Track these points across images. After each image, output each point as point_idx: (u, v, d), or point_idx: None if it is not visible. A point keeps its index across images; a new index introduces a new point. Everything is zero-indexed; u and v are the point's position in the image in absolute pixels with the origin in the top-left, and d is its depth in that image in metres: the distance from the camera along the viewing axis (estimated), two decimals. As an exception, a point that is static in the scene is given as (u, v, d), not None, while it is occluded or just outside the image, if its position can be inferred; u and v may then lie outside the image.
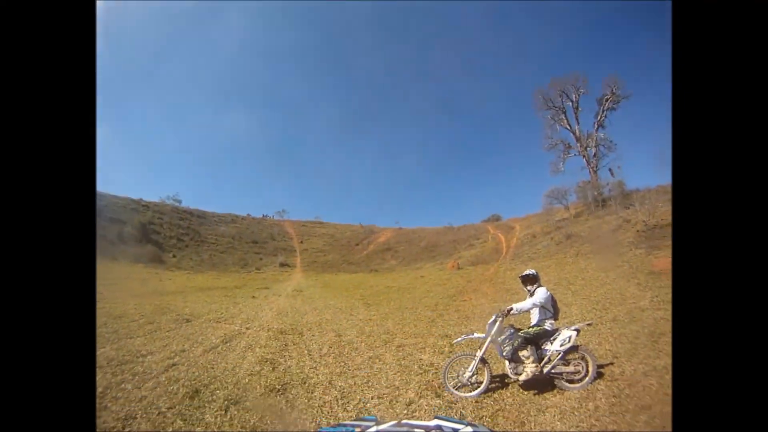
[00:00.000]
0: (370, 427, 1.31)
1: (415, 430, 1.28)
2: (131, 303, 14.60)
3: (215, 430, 5.00)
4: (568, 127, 42.79)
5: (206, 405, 5.83)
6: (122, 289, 19.67)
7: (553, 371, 6.01)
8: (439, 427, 1.25)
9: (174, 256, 44.67)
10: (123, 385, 6.38)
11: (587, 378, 5.92)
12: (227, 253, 51.35)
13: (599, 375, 6.06)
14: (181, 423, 5.17)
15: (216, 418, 5.38)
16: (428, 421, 1.31)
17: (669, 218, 19.05)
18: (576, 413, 5.11)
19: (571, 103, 42.28)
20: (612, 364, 6.58)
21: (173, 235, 51.29)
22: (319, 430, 2.05)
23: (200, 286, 25.07)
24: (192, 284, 26.41)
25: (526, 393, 5.97)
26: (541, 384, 6.08)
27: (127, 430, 4.91)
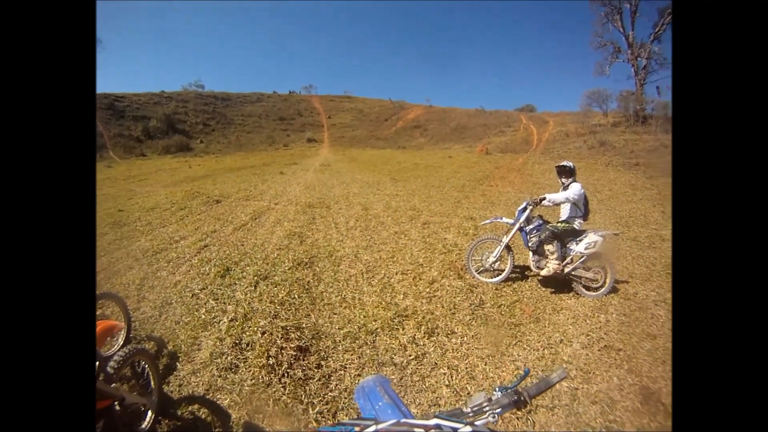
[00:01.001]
0: (369, 426, 1.26)
1: (414, 429, 1.21)
2: (162, 193, 14.89)
3: (245, 306, 5.16)
4: (621, 30, 38.51)
5: (236, 282, 6.01)
6: (153, 182, 20.05)
7: (572, 273, 5.90)
8: (438, 426, 1.20)
9: (201, 142, 45.13)
10: (158, 273, 6.60)
11: (603, 288, 5.85)
12: (254, 133, 51.62)
13: (614, 289, 5.96)
14: (213, 303, 5.34)
15: (246, 294, 5.54)
16: (427, 420, 1.24)
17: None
18: (588, 321, 5.10)
19: (629, 5, 37.42)
20: (627, 282, 6.40)
21: (198, 121, 51.48)
22: (318, 429, 2.09)
23: (229, 168, 25.40)
24: (221, 166, 26.76)
25: (543, 289, 5.97)
26: (559, 284, 6.04)
27: (163, 317, 5.12)
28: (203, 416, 3.46)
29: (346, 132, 54.83)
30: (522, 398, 1.34)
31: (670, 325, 4.96)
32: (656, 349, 4.50)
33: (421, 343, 4.39)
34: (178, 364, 4.11)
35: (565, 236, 6.01)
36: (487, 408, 1.31)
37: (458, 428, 1.19)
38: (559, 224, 6.04)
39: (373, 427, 1.25)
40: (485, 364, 4.06)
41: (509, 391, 1.36)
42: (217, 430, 3.34)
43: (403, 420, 1.29)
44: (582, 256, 5.88)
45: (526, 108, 60.10)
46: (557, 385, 3.80)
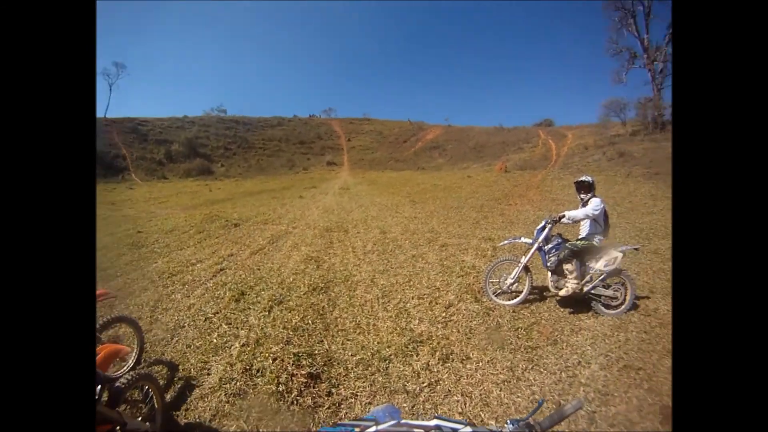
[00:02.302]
0: (369, 426, 1.30)
1: (415, 429, 1.25)
2: (182, 216, 15.07)
3: (258, 331, 5.10)
4: (636, 35, 38.31)
5: (251, 307, 5.97)
6: (173, 204, 20.33)
7: (592, 291, 5.76)
8: (438, 426, 1.24)
9: (222, 166, 45.80)
10: (173, 296, 6.61)
11: (623, 306, 5.70)
12: (275, 156, 52.20)
13: (634, 306, 5.81)
14: (226, 327, 5.31)
15: (259, 319, 5.49)
16: (428, 420, 1.29)
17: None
18: (607, 341, 4.95)
19: (642, 8, 37.26)
20: (648, 298, 6.23)
21: (220, 145, 52.33)
22: (318, 430, 2.10)
23: (249, 191, 25.65)
24: (241, 190, 27.04)
25: (562, 310, 5.81)
26: (578, 303, 5.88)
27: (174, 340, 5.09)
28: (207, 443, 3.40)
29: (366, 154, 55.18)
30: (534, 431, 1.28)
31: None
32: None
33: (435, 370, 4.26)
34: (186, 389, 4.05)
35: (584, 254, 5.87)
36: None
37: (458, 429, 1.22)
38: (578, 242, 5.90)
39: (374, 428, 1.28)
40: (500, 390, 3.93)
41: (521, 423, 1.30)
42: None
43: (404, 421, 1.31)
44: (602, 274, 5.73)
45: (545, 122, 59.87)
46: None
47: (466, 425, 1.23)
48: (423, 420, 1.27)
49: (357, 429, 1.30)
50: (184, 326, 5.45)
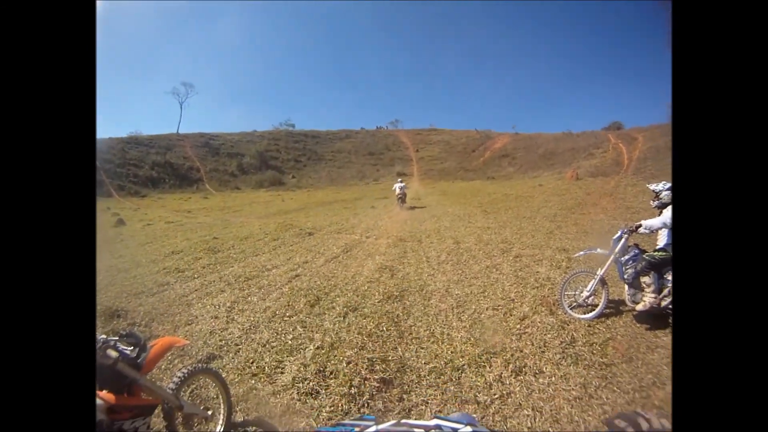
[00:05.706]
0: (369, 426, 1.31)
1: (415, 429, 1.27)
2: (256, 224, 15.56)
3: (333, 336, 5.16)
4: None
5: (326, 312, 6.03)
6: (247, 213, 20.99)
7: (671, 306, 5.29)
8: (438, 426, 1.26)
9: (293, 177, 46.95)
10: (249, 298, 6.80)
11: None
12: (345, 168, 52.99)
13: None
14: (301, 330, 5.37)
15: (334, 324, 5.53)
16: (427, 420, 1.31)
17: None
18: None
19: None
20: None
21: (290, 157, 53.77)
22: (318, 429, 2.10)
23: (321, 201, 26.13)
24: (313, 200, 27.59)
25: (638, 326, 5.40)
26: (655, 318, 5.43)
27: (249, 339, 5.24)
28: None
29: (435, 165, 54.96)
30: None
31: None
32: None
33: (508, 382, 4.09)
34: (258, 384, 4.15)
35: (663, 266, 5.39)
36: None
37: (458, 429, 1.23)
38: (656, 253, 5.43)
39: (374, 428, 1.28)
40: (571, 407, 3.71)
41: None
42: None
43: (404, 420, 1.32)
44: None
45: (614, 125, 57.15)
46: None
47: (466, 425, 1.24)
48: (423, 420, 1.29)
49: (357, 429, 1.30)
50: (259, 327, 5.57)
